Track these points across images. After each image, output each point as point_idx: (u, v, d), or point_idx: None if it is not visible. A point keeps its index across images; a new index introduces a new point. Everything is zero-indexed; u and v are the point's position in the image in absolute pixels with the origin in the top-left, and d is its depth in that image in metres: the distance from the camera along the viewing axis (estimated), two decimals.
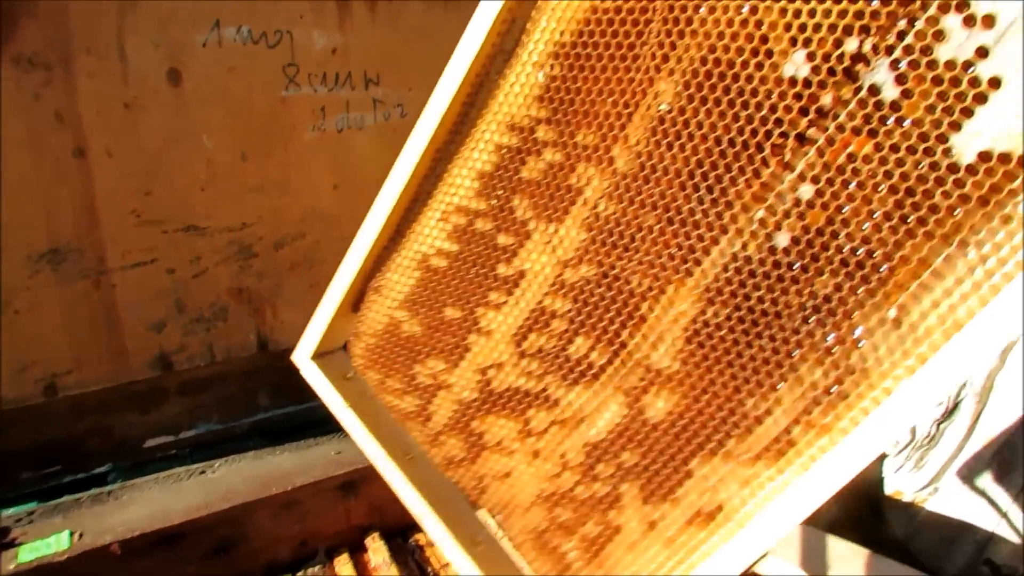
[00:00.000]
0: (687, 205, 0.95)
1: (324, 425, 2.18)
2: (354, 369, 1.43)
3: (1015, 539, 2.29)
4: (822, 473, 0.92)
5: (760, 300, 0.92)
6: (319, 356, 1.46)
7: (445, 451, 1.31)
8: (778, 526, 0.98)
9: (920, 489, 2.44)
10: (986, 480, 2.31)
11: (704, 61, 0.90)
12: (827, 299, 0.88)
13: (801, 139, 0.85)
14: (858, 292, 0.86)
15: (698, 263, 0.96)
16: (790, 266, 0.89)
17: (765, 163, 0.88)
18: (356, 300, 1.38)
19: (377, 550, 2.03)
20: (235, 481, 1.98)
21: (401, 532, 2.14)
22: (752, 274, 0.92)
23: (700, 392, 1.00)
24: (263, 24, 1.96)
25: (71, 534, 1.79)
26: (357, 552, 2.05)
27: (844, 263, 0.86)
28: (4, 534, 1.81)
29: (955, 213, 0.78)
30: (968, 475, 2.33)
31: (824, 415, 0.91)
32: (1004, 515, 2.31)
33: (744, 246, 0.92)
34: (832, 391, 0.90)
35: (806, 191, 0.86)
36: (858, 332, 0.87)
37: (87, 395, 1.95)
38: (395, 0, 2.12)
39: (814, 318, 0.89)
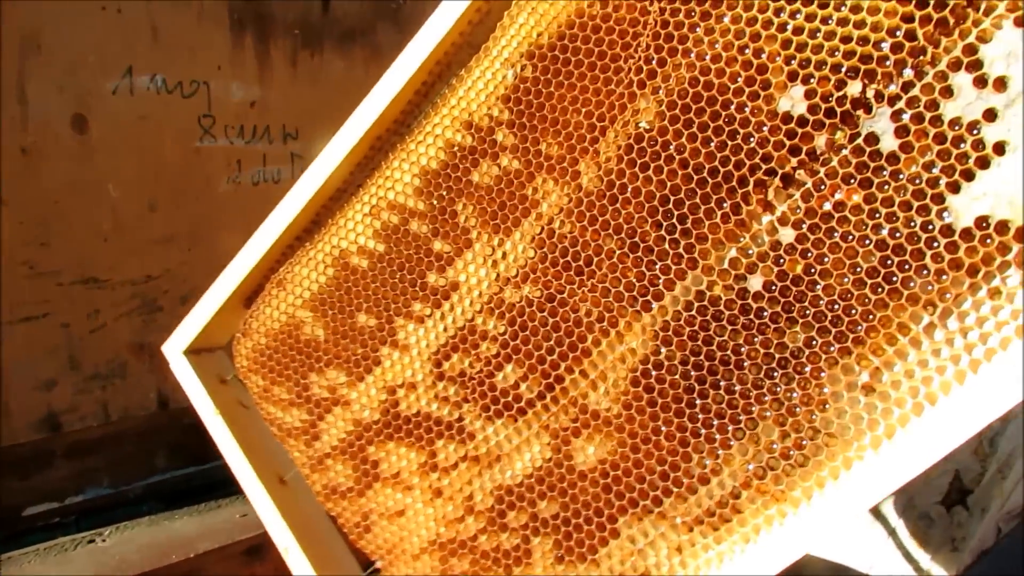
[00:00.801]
0: (654, 233, 0.88)
1: (228, 486, 2.08)
2: (235, 371, 1.29)
3: None
4: (765, 548, 0.84)
5: (722, 346, 0.85)
6: (195, 352, 1.32)
7: (329, 478, 1.20)
8: None
9: None
10: (860, 526, 2.48)
11: (694, 83, 0.84)
12: (796, 354, 0.81)
13: (787, 180, 0.80)
14: (831, 350, 0.80)
15: (658, 297, 0.90)
16: (759, 313, 0.83)
17: (746, 200, 0.82)
18: (251, 294, 1.25)
19: None
20: (128, 550, 1.84)
21: None
22: (716, 317, 0.86)
23: (640, 441, 0.92)
24: (179, 74, 1.89)
25: None
26: None
27: (819, 317, 0.80)
28: None
29: (943, 279, 0.74)
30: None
31: (777, 482, 0.84)
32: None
33: (711, 286, 0.86)
34: (790, 456, 0.83)
35: (786, 235, 0.81)
36: (825, 392, 0.81)
37: None
38: (316, 56, 2.11)
39: (779, 372, 0.83)
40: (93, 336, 1.88)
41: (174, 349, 1.32)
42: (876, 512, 2.37)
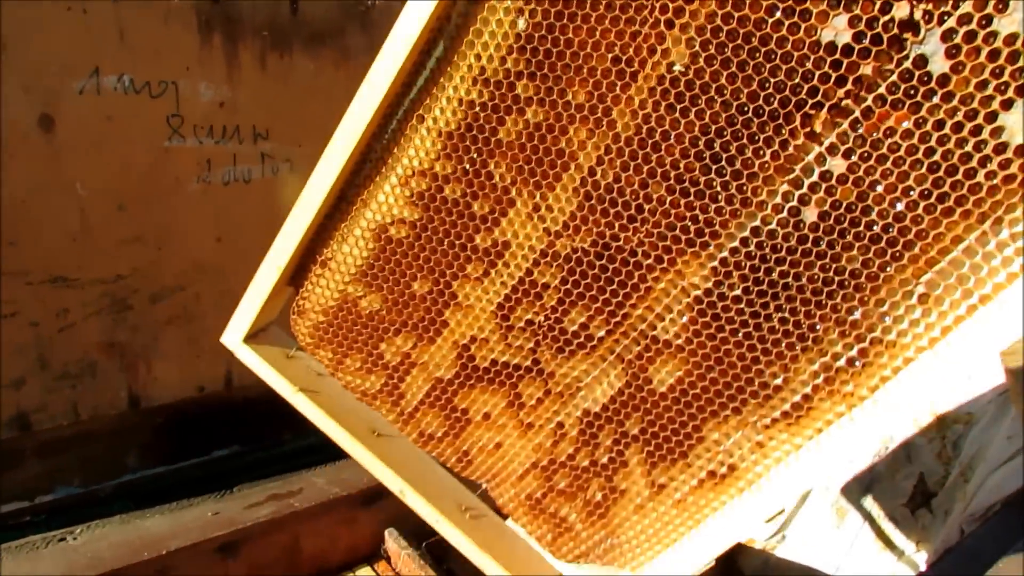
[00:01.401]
0: (703, 176, 0.87)
1: (197, 485, 2.08)
2: (298, 346, 1.29)
3: None
4: (836, 439, 0.90)
5: (782, 275, 0.87)
6: (252, 337, 1.32)
7: (422, 427, 1.22)
8: (791, 487, 0.96)
9: (770, 537, 2.63)
10: (826, 529, 2.53)
11: (728, 19, 0.81)
12: (854, 274, 0.84)
13: (835, 111, 0.79)
14: (887, 268, 0.82)
15: (715, 236, 0.90)
16: (816, 241, 0.84)
17: (793, 134, 0.81)
18: (294, 274, 1.23)
19: None
20: (100, 548, 1.84)
21: None
22: (775, 248, 0.87)
23: (713, 363, 0.95)
24: (147, 74, 1.88)
25: None
26: None
27: (874, 239, 0.81)
28: None
29: (996, 194, 0.75)
30: (810, 525, 2.53)
31: (843, 384, 0.89)
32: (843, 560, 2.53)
33: (765, 220, 0.87)
34: (855, 362, 0.87)
35: (837, 165, 0.81)
36: (884, 307, 0.84)
37: None
38: (285, 57, 2.11)
39: (840, 293, 0.85)
40: (62, 335, 1.84)
41: (234, 340, 1.32)
42: (842, 514, 2.41)
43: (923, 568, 2.14)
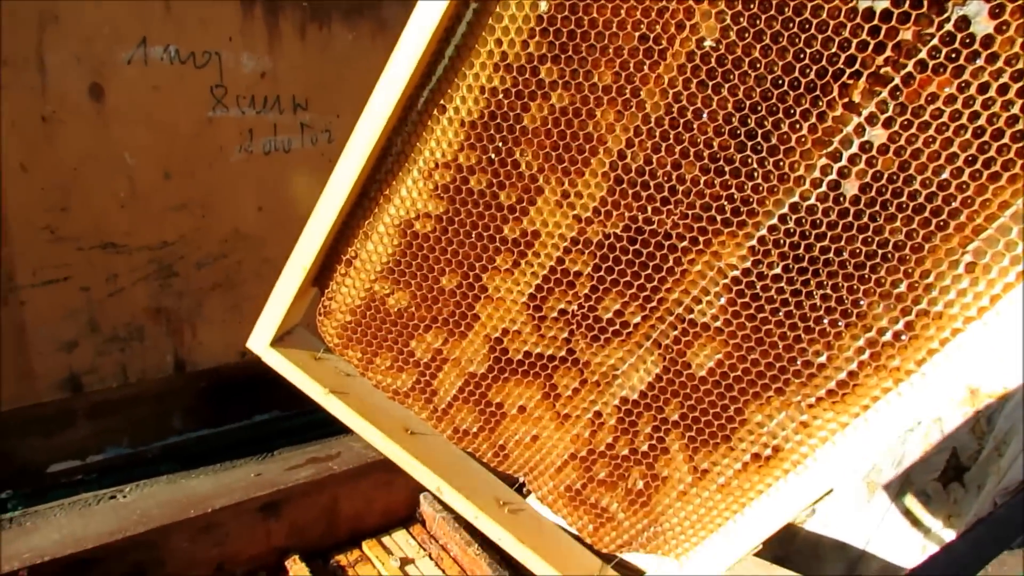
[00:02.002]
0: (738, 154, 0.84)
1: (243, 447, 2.15)
2: (325, 348, 1.27)
3: (883, 556, 2.52)
4: (885, 415, 0.88)
5: (823, 250, 0.85)
6: (279, 340, 1.30)
7: (456, 424, 1.20)
8: (839, 467, 0.93)
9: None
10: (857, 503, 2.53)
11: None
12: (898, 246, 0.81)
13: (874, 79, 0.76)
14: (932, 239, 0.79)
15: (752, 215, 0.87)
16: (858, 215, 0.82)
17: (831, 106, 0.79)
18: (318, 275, 1.21)
19: (299, 571, 2.00)
20: (149, 505, 1.91)
21: (322, 554, 2.13)
22: (815, 224, 0.84)
23: (753, 343, 0.93)
24: (191, 45, 1.90)
25: None
26: (277, 575, 2.03)
27: (918, 210, 0.79)
28: None
29: None
30: (841, 498, 2.55)
31: (891, 358, 0.86)
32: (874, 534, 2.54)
33: (804, 196, 0.84)
34: (902, 336, 0.85)
35: (877, 135, 0.78)
36: (930, 278, 0.81)
37: None
38: (324, 28, 2.11)
39: (884, 266, 0.83)
40: (112, 300, 1.88)
41: (260, 344, 1.30)
42: (873, 488, 2.43)
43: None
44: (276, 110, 2.02)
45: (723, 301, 0.93)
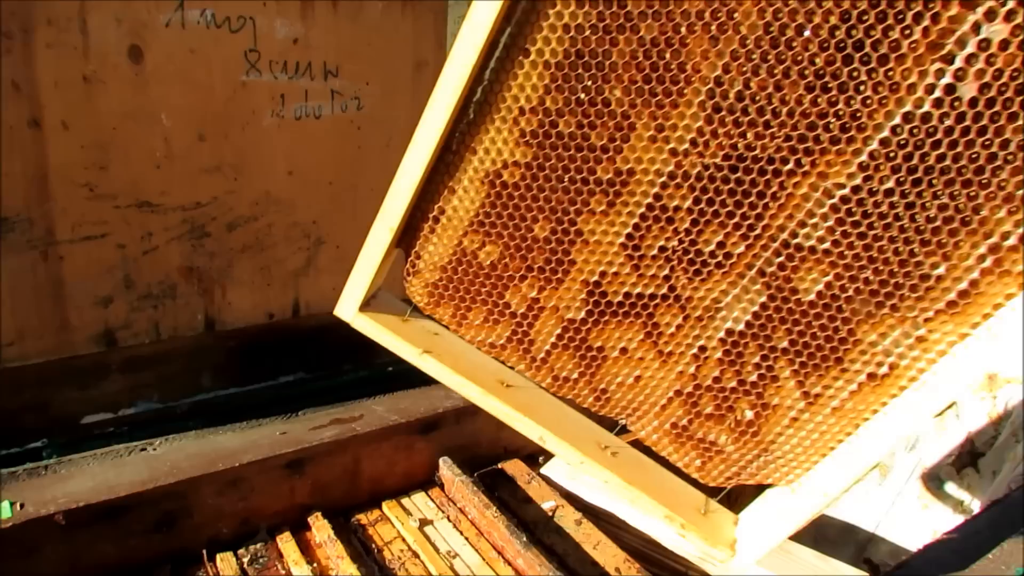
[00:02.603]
0: (845, 67, 0.81)
1: (269, 407, 2.21)
2: (414, 307, 1.24)
3: (892, 539, 2.55)
4: (1009, 323, 0.85)
5: (939, 159, 0.81)
6: (365, 305, 1.28)
7: (555, 372, 1.18)
8: (960, 378, 0.90)
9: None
10: (869, 485, 2.56)
11: None
12: (1022, 146, 0.77)
13: None
14: None
15: (861, 130, 0.83)
16: (976, 117, 0.78)
17: (945, 5, 0.75)
18: (401, 235, 1.19)
19: (321, 528, 2.06)
20: (178, 458, 1.97)
21: (344, 513, 2.18)
22: (930, 133, 0.80)
23: (864, 262, 0.90)
24: (227, 9, 1.92)
25: (11, 504, 1.76)
26: (299, 531, 2.09)
27: None
28: None
29: None
30: None
31: (1016, 263, 0.83)
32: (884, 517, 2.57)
33: (918, 104, 0.80)
34: None
35: (997, 31, 0.74)
36: None
37: (27, 368, 1.82)
38: None
39: (1007, 168, 0.79)
40: (146, 257, 1.91)
41: (349, 311, 1.29)
42: (884, 471, 2.45)
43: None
44: (308, 76, 2.06)
45: (830, 222, 0.91)
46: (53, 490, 1.80)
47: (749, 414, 1.08)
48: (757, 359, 1.04)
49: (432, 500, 2.26)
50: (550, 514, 2.18)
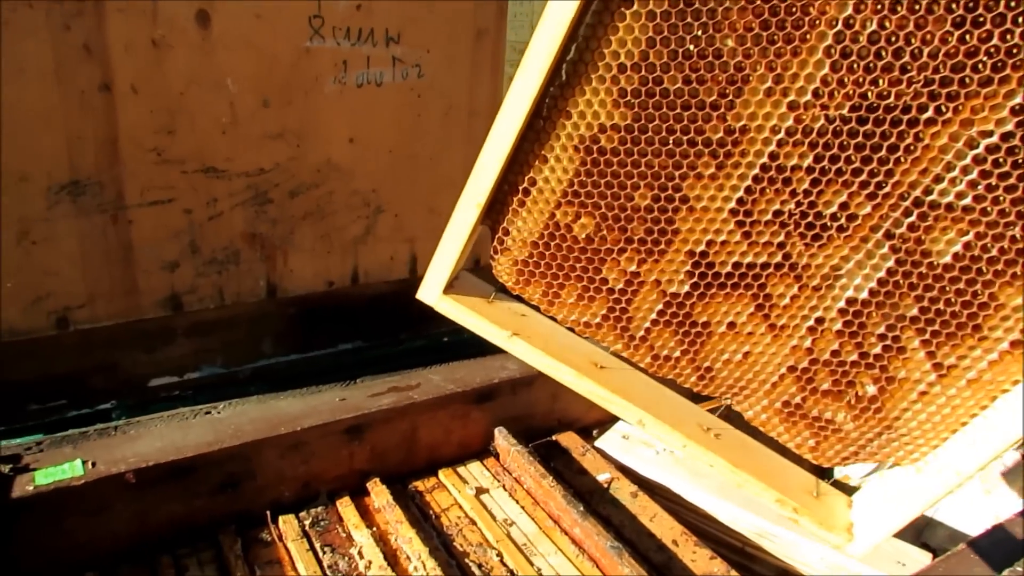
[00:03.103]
0: None
1: (327, 374, 2.23)
2: (500, 288, 1.19)
3: (951, 525, 2.49)
4: None
5: None
6: (448, 288, 1.23)
7: (655, 350, 1.11)
8: None
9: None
10: None
11: None
12: None
13: None
14: None
15: (1017, 67, 0.75)
16: None
17: None
18: (487, 211, 1.12)
19: (380, 493, 2.08)
20: (242, 422, 2.00)
21: (401, 479, 2.20)
22: None
23: (1012, 218, 0.82)
24: None
25: (84, 462, 1.80)
26: (358, 496, 2.11)
27: None
28: (17, 460, 1.81)
29: None
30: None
31: None
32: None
33: None
34: None
35: None
36: None
37: (97, 330, 1.84)
38: None
39: None
40: (212, 223, 1.91)
41: (433, 294, 1.23)
42: None
43: None
44: (370, 43, 2.04)
45: (972, 175, 0.82)
46: (123, 450, 1.83)
47: (871, 389, 1.00)
48: (882, 329, 0.96)
49: (487, 469, 2.26)
50: (605, 486, 2.17)
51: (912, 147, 0.84)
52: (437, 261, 1.20)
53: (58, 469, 1.71)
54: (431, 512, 2.07)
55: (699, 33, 0.86)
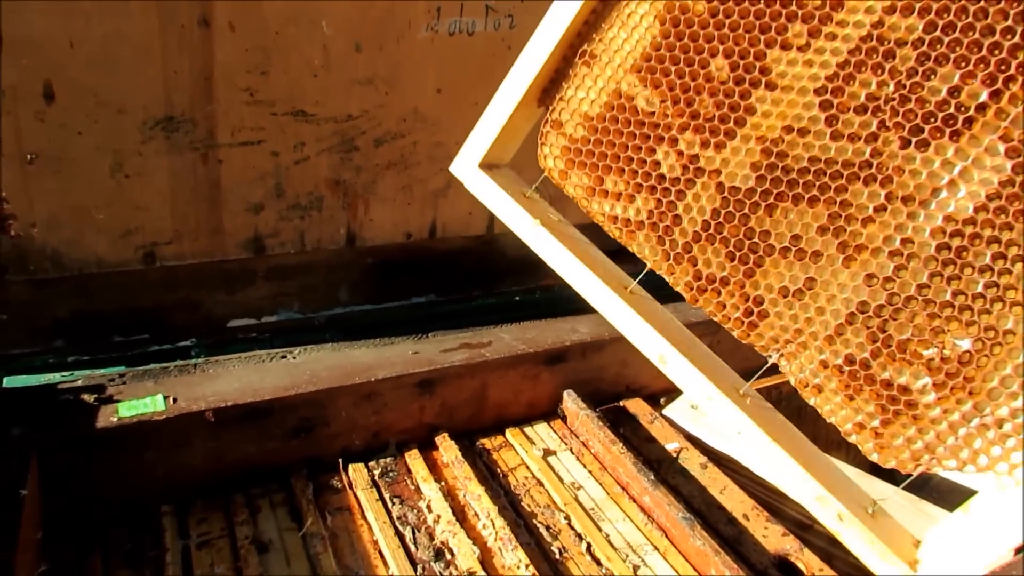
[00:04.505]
0: None
1: (400, 326, 2.22)
2: (544, 177, 1.07)
3: None
4: None
5: None
6: (487, 167, 1.12)
7: (698, 267, 0.95)
8: None
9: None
10: None
11: None
12: None
13: None
14: None
15: None
16: None
17: None
18: (542, 89, 1.03)
19: (448, 448, 2.07)
20: (317, 368, 2.00)
21: (468, 436, 2.19)
22: None
23: None
24: None
25: (165, 398, 1.82)
26: (426, 449, 2.11)
27: None
28: (101, 391, 1.84)
29: None
30: None
31: None
32: None
33: None
34: None
35: None
36: None
37: (181, 268, 1.83)
38: None
39: None
40: (297, 167, 1.88)
41: (467, 165, 1.13)
42: None
43: None
44: None
45: None
46: (203, 388, 1.84)
47: (964, 343, 0.77)
48: (987, 260, 0.75)
49: (555, 431, 2.23)
50: (674, 455, 2.13)
51: None
52: (479, 128, 1.08)
53: (140, 403, 1.72)
54: (498, 471, 2.06)
55: None
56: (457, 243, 2.23)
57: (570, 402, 2.24)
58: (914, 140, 0.79)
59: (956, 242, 0.78)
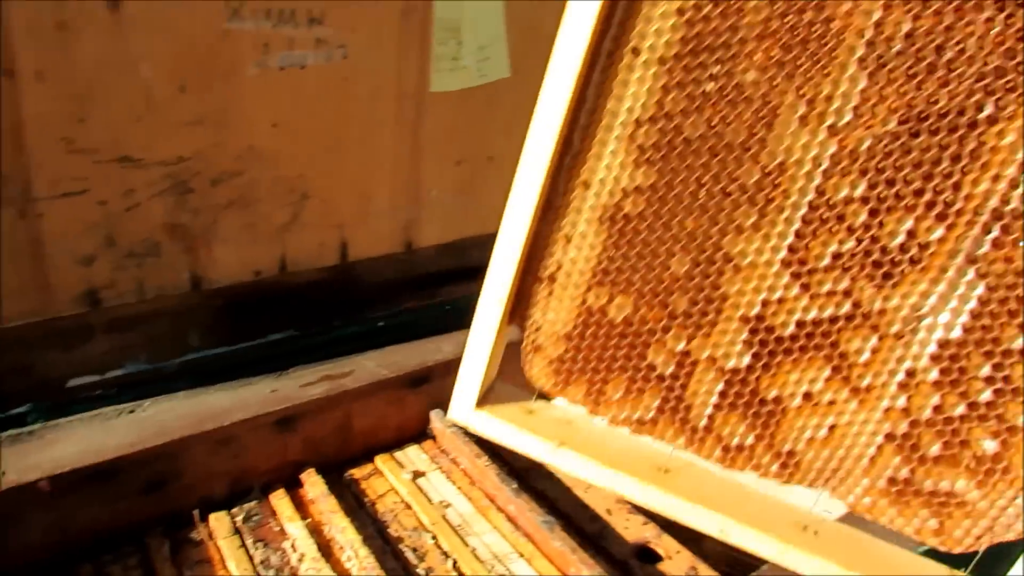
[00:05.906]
0: None
1: (259, 365, 2.16)
2: (537, 394, 1.06)
3: None
4: None
5: None
6: (482, 401, 1.10)
7: (724, 441, 0.99)
8: None
9: None
10: None
11: None
12: None
13: None
14: None
15: None
16: None
17: None
18: (512, 308, 1.04)
19: (314, 484, 2.03)
20: (167, 419, 1.91)
21: (338, 468, 2.15)
22: None
23: None
24: None
25: None
26: (292, 488, 2.06)
27: None
28: None
29: None
30: None
31: None
32: None
33: None
34: None
35: None
36: None
37: (7, 331, 1.73)
38: None
39: None
40: (128, 214, 1.78)
41: (465, 410, 1.09)
42: None
43: None
44: (292, 24, 1.93)
45: None
46: (38, 456, 1.73)
47: (991, 445, 0.85)
48: (987, 370, 0.82)
49: (425, 452, 2.24)
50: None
51: (977, 153, 0.74)
52: (465, 372, 1.08)
53: None
54: (367, 499, 2.04)
55: (716, 70, 0.78)
56: (311, 275, 2.20)
57: (437, 421, 2.25)
58: (888, 283, 0.84)
59: (956, 362, 0.85)
